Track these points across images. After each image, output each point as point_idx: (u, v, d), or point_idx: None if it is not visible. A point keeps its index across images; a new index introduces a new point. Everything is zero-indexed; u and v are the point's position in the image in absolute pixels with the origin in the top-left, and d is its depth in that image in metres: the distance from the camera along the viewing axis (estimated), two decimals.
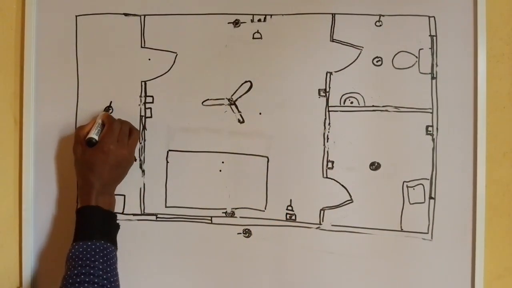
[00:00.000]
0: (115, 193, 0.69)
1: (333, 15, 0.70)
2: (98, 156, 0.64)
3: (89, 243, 0.60)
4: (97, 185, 0.63)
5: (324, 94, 0.70)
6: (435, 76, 0.69)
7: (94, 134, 0.65)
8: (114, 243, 0.64)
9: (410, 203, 0.69)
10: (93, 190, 0.63)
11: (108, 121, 0.67)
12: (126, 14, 0.73)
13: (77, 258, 0.58)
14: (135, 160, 0.72)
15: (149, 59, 0.73)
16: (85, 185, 0.64)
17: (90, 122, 0.69)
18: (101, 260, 0.58)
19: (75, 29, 0.74)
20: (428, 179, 0.69)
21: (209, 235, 0.72)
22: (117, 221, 0.67)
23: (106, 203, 0.65)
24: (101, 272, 0.57)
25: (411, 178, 0.69)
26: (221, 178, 0.72)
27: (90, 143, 0.65)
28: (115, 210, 0.69)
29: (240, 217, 0.72)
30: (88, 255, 0.58)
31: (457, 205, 0.68)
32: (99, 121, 0.68)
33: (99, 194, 0.64)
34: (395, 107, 0.69)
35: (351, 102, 0.70)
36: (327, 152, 0.70)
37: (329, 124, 0.70)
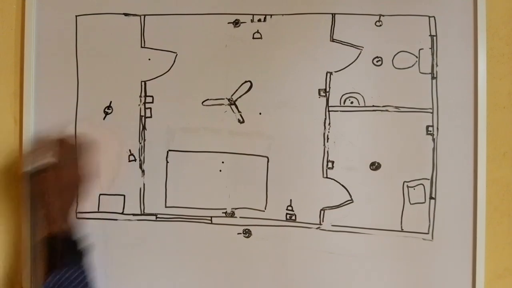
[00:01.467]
0: (117, 192, 0.69)
1: (333, 15, 0.70)
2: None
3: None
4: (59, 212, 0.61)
5: (324, 94, 0.70)
6: (435, 76, 0.69)
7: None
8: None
9: (411, 203, 0.69)
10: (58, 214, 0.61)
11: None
12: (126, 14, 0.73)
13: None
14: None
15: (149, 59, 0.73)
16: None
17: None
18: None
19: (75, 29, 0.74)
20: (429, 179, 0.69)
21: (209, 235, 0.72)
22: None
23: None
24: None
25: (411, 178, 0.69)
26: (221, 178, 0.72)
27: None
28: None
29: (240, 217, 0.72)
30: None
31: (457, 205, 0.68)
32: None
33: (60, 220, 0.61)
34: (395, 107, 0.69)
35: (351, 102, 0.70)
36: (327, 152, 0.70)
37: (329, 124, 0.70)
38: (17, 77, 0.75)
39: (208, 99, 0.72)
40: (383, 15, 0.69)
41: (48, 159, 0.61)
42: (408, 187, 0.69)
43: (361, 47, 0.70)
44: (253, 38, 0.71)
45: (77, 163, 0.63)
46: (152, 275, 0.73)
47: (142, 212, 0.73)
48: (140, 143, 0.73)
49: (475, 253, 0.68)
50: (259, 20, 0.71)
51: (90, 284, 0.58)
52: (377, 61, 0.70)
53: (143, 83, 0.73)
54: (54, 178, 0.60)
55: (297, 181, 0.71)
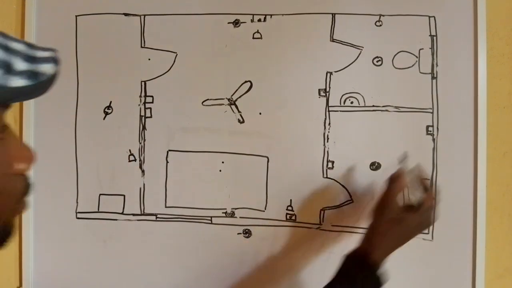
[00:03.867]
0: (117, 192, 0.69)
1: (333, 15, 0.70)
2: (416, 226, 0.59)
3: None
4: (392, 248, 0.59)
5: (324, 94, 0.70)
6: (435, 76, 0.69)
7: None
8: None
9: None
10: (388, 250, 0.59)
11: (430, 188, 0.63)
12: (126, 14, 0.73)
13: None
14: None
15: (149, 59, 0.73)
16: (387, 243, 0.59)
17: (400, 175, 0.62)
18: None
19: (75, 29, 0.74)
20: (429, 179, 0.69)
21: (209, 235, 0.72)
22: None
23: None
24: None
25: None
26: (221, 178, 0.72)
27: (414, 208, 0.60)
28: None
29: (240, 217, 0.72)
30: None
31: (457, 205, 0.68)
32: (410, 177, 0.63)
33: (386, 254, 0.59)
34: (395, 107, 0.69)
35: (351, 102, 0.70)
36: (327, 152, 0.70)
37: (329, 124, 0.70)
38: None
39: (208, 99, 0.72)
40: (383, 15, 0.69)
41: None
42: (408, 187, 0.69)
43: (361, 47, 0.70)
44: (253, 38, 0.71)
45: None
46: (152, 275, 0.73)
47: (142, 212, 0.73)
48: (140, 143, 0.73)
49: (475, 253, 0.68)
50: (259, 20, 0.71)
51: None
52: (377, 61, 0.70)
53: (143, 83, 0.73)
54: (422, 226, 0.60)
55: (297, 181, 0.71)
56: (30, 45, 0.38)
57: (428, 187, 0.64)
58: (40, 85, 0.39)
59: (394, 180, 0.61)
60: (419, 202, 0.60)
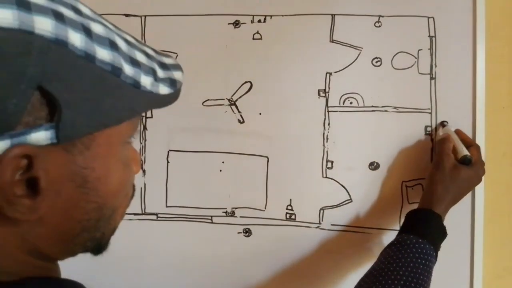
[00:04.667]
0: None
1: (333, 15, 0.70)
2: (472, 178, 0.62)
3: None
4: (452, 203, 0.62)
5: (323, 95, 0.71)
6: (434, 76, 0.69)
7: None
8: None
9: (409, 203, 0.70)
10: (449, 204, 0.62)
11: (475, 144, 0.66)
12: (126, 15, 0.73)
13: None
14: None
15: None
16: (447, 197, 0.61)
17: (447, 136, 0.66)
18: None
19: None
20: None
21: (209, 235, 0.73)
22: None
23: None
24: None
25: (410, 178, 0.70)
26: (221, 178, 0.72)
27: (467, 160, 0.62)
28: None
29: (240, 216, 0.72)
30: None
31: (456, 205, 0.68)
32: (456, 137, 0.66)
33: (447, 209, 0.62)
34: (394, 108, 0.70)
35: (351, 103, 0.70)
36: (327, 152, 0.71)
37: (328, 124, 0.71)
38: None
39: (208, 100, 0.72)
40: (383, 16, 0.70)
41: None
42: (406, 187, 0.70)
43: (360, 47, 0.70)
44: (253, 39, 0.72)
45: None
46: (152, 275, 0.74)
47: (143, 212, 0.74)
48: (141, 143, 0.73)
49: (473, 253, 0.68)
50: (259, 21, 0.71)
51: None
52: (376, 62, 0.70)
53: None
54: (479, 177, 0.63)
55: (297, 181, 0.71)
56: (155, 50, 0.38)
57: (472, 143, 0.66)
58: (177, 93, 0.38)
59: (442, 142, 0.65)
60: (468, 156, 0.62)
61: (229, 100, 0.72)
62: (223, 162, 0.72)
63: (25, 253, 0.30)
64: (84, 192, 0.31)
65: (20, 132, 0.25)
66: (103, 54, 0.29)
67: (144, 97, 0.33)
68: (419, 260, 0.54)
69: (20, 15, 0.24)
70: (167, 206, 0.73)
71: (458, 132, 0.67)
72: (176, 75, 0.37)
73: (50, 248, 0.32)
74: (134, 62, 0.32)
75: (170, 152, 0.73)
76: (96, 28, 0.29)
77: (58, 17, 0.26)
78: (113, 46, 0.30)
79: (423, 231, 0.57)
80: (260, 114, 0.72)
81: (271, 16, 0.71)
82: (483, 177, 0.65)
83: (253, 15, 0.71)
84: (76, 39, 0.27)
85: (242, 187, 0.72)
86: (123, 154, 0.34)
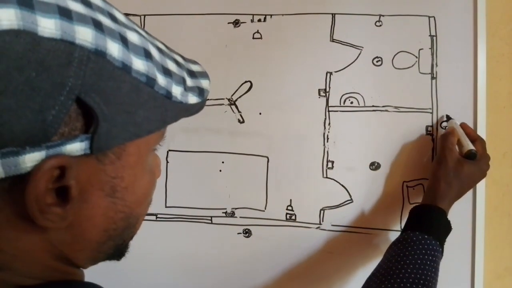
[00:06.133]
0: None
1: (333, 15, 0.70)
2: (476, 173, 0.62)
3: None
4: (455, 198, 0.62)
5: (324, 94, 0.70)
6: (435, 76, 0.69)
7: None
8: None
9: (410, 203, 0.69)
10: (452, 200, 0.61)
11: (480, 138, 0.65)
12: (126, 14, 0.73)
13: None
14: None
15: None
16: (451, 192, 0.61)
17: (452, 131, 0.65)
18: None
19: None
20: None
21: (209, 235, 0.72)
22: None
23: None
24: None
25: (411, 178, 0.69)
26: (221, 178, 0.72)
27: (472, 155, 0.62)
28: None
29: (240, 217, 0.72)
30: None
31: (457, 205, 0.68)
32: (461, 131, 0.65)
33: (450, 204, 0.62)
34: (395, 107, 0.69)
35: (351, 102, 0.70)
36: (327, 152, 0.70)
37: (329, 124, 0.70)
38: None
39: (208, 99, 0.72)
40: (383, 15, 0.69)
41: None
42: (407, 187, 0.69)
43: (361, 47, 0.70)
44: (253, 38, 0.71)
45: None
46: (152, 275, 0.73)
47: None
48: None
49: (474, 252, 0.68)
50: (259, 20, 0.71)
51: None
52: (377, 61, 0.70)
53: None
54: (484, 173, 0.63)
55: (297, 181, 0.71)
56: (183, 57, 0.37)
57: (477, 138, 0.65)
58: (204, 102, 0.37)
59: (446, 137, 0.64)
60: (473, 151, 0.62)
61: (229, 100, 0.72)
62: (223, 162, 0.72)
63: (52, 258, 0.30)
64: (112, 202, 0.31)
65: (56, 143, 0.25)
66: (138, 64, 0.28)
67: (174, 107, 0.33)
68: (426, 257, 0.53)
69: (62, 25, 0.24)
70: (166, 207, 0.73)
71: (463, 126, 0.67)
72: (204, 83, 0.37)
73: (76, 255, 0.32)
74: (166, 72, 0.32)
75: (169, 152, 0.73)
76: (132, 37, 0.29)
77: (98, 26, 0.26)
78: (147, 56, 0.30)
79: (428, 227, 0.57)
80: (260, 114, 0.71)
81: (271, 15, 0.71)
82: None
83: (253, 14, 0.71)
84: (114, 49, 0.26)
85: (242, 187, 0.72)
86: (149, 162, 0.34)
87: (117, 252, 0.36)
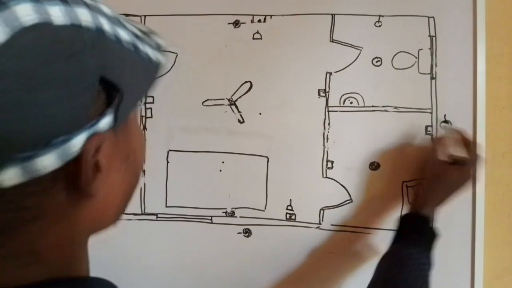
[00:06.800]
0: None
1: (333, 15, 0.70)
2: (460, 178, 0.62)
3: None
4: (439, 202, 0.62)
5: (324, 94, 0.71)
6: (434, 76, 0.69)
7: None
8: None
9: (410, 203, 0.69)
10: (436, 204, 0.62)
11: (471, 143, 0.65)
12: (126, 15, 0.73)
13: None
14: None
15: None
16: (433, 197, 0.62)
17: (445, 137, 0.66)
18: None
19: None
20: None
21: (209, 235, 0.72)
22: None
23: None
24: None
25: (410, 178, 0.69)
26: (221, 178, 0.72)
27: (457, 161, 0.62)
28: None
29: (240, 216, 0.72)
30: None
31: (456, 205, 0.68)
32: (453, 136, 0.66)
33: (433, 208, 0.62)
34: (395, 107, 0.70)
35: (351, 102, 0.70)
36: (327, 152, 0.71)
37: (329, 124, 0.71)
38: None
39: (208, 99, 0.72)
40: (383, 16, 0.70)
41: None
42: (407, 186, 0.70)
43: (360, 47, 0.70)
44: (253, 38, 0.72)
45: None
46: (152, 275, 0.73)
47: (143, 212, 0.73)
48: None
49: (474, 253, 0.68)
50: (259, 21, 0.71)
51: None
52: (376, 62, 0.70)
53: None
54: (468, 177, 0.63)
55: (297, 181, 0.71)
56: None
57: (470, 146, 0.65)
58: (165, 59, 0.39)
59: (437, 141, 0.66)
60: (461, 158, 0.63)
61: (229, 100, 0.72)
62: (223, 162, 0.72)
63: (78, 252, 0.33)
64: (127, 166, 0.33)
65: (92, 123, 0.26)
66: (123, 35, 0.29)
67: (154, 70, 0.35)
68: (416, 273, 0.54)
69: (66, 11, 0.24)
70: (166, 206, 0.73)
71: (458, 131, 0.67)
72: (159, 40, 0.39)
73: (106, 220, 0.35)
74: (139, 38, 0.33)
75: (170, 152, 0.73)
76: (105, 9, 0.30)
77: (87, 5, 0.26)
78: (124, 25, 0.31)
79: (414, 239, 0.58)
80: (260, 114, 0.72)
81: (271, 16, 0.71)
82: (483, 177, 0.65)
83: (253, 15, 0.71)
84: (106, 24, 0.27)
85: (242, 187, 0.72)
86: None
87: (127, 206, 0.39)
